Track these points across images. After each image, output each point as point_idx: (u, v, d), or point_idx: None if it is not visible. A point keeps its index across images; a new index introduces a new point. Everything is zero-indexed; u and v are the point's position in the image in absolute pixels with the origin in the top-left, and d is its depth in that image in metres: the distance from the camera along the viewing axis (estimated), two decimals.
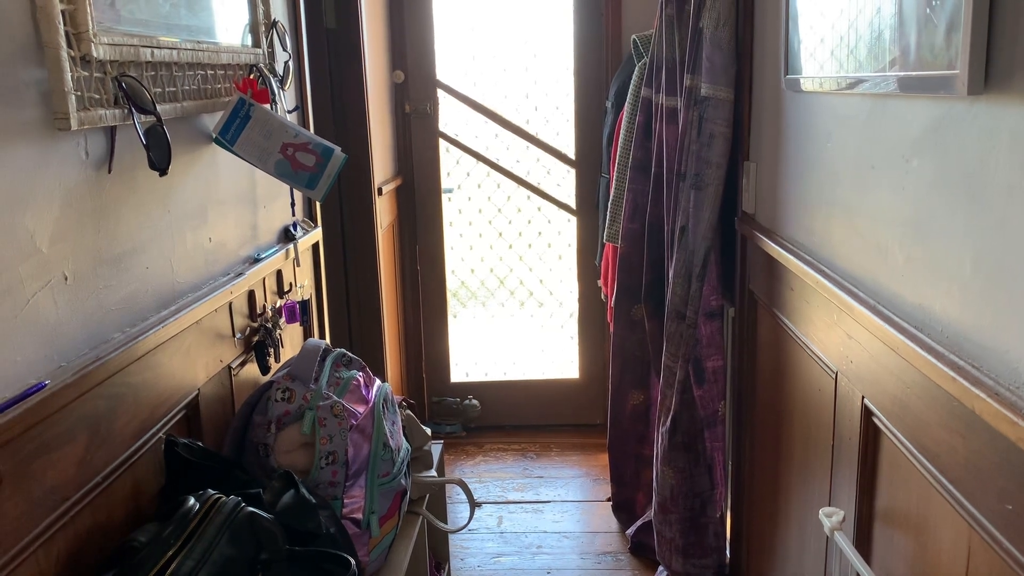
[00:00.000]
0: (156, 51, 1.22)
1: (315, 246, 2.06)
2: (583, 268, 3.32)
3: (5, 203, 0.94)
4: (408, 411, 1.78)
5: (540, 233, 3.45)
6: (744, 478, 2.12)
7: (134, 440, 1.17)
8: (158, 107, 1.18)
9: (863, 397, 1.27)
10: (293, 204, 1.89)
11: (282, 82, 1.74)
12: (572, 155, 3.26)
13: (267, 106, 1.52)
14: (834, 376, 1.40)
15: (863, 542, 1.32)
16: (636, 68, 2.50)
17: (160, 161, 1.20)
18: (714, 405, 2.13)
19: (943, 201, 1.03)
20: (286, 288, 1.81)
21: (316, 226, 2.06)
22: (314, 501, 1.28)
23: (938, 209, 1.05)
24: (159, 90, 1.25)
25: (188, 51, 1.32)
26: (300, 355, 1.51)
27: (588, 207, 3.25)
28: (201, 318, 1.37)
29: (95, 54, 1.05)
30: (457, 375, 3.48)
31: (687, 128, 2.01)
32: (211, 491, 1.13)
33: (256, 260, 1.65)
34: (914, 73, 1.05)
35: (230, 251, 1.56)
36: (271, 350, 1.66)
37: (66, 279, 1.04)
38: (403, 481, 1.56)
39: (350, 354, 1.60)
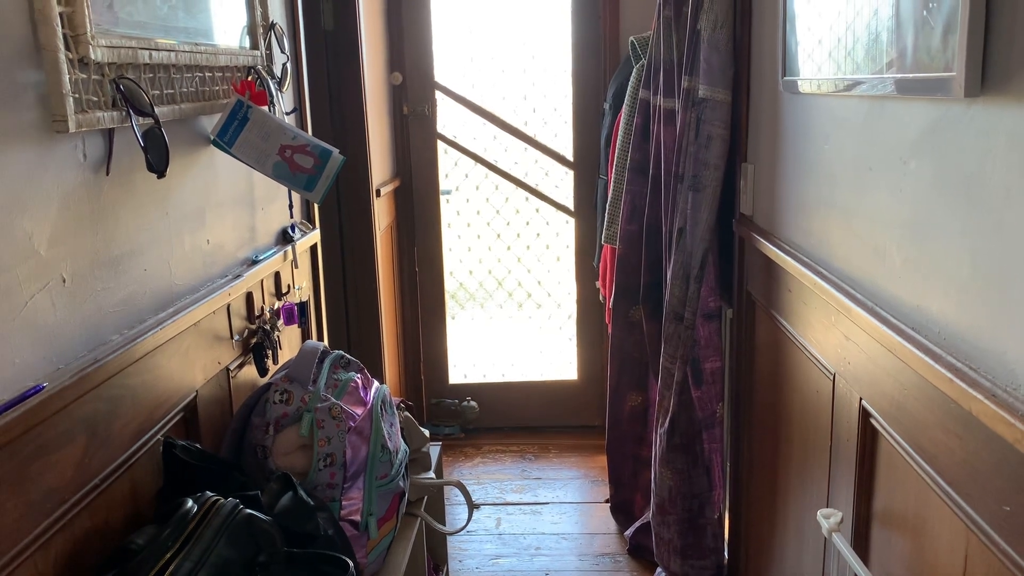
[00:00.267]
0: (154, 53, 1.22)
1: (313, 248, 2.06)
2: (581, 270, 3.31)
3: (3, 205, 0.94)
4: (406, 413, 1.78)
5: (538, 234, 3.45)
6: (742, 479, 2.12)
7: (132, 442, 1.17)
8: (156, 109, 1.18)
9: (861, 398, 1.27)
10: (291, 206, 1.89)
11: (280, 84, 1.75)
12: (570, 157, 3.25)
13: (265, 108, 1.52)
14: (832, 377, 1.40)
15: (861, 543, 1.32)
16: (634, 70, 2.50)
17: (158, 163, 1.20)
18: (712, 406, 2.13)
19: (941, 203, 1.04)
20: (284, 290, 1.81)
21: (314, 228, 2.06)
22: (312, 503, 1.28)
23: (936, 211, 1.05)
24: (157, 92, 1.25)
25: (186, 53, 1.32)
26: (298, 357, 1.51)
27: (586, 209, 3.25)
28: (199, 320, 1.37)
29: (93, 56, 1.05)
30: (455, 377, 3.48)
31: (685, 130, 2.01)
32: (209, 493, 1.13)
33: (254, 262, 1.65)
34: (911, 75, 1.05)
35: (228, 253, 1.56)
36: (269, 352, 1.66)
37: (64, 281, 1.04)
38: (401, 483, 1.56)
39: (348, 356, 1.60)
